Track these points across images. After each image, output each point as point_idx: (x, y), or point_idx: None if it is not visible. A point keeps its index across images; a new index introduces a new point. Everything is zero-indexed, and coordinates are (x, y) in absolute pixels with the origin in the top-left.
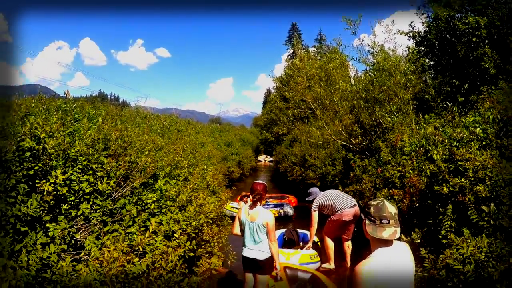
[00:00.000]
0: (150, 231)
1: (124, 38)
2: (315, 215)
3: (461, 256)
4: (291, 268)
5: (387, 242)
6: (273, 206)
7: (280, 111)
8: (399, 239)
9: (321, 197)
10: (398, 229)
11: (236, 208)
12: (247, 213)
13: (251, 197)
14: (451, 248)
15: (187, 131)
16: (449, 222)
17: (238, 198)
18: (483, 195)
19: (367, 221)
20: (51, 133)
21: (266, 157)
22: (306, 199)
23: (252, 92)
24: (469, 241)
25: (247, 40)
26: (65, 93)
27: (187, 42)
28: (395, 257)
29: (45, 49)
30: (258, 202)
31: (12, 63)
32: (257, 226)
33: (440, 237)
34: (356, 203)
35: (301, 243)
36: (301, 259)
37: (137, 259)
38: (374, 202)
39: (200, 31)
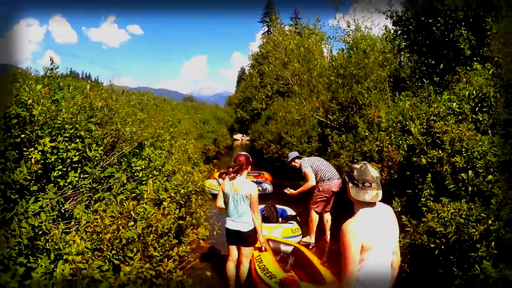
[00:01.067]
0: (148, 193)
1: (96, 14)
2: (309, 172)
3: (442, 220)
4: (273, 240)
5: (370, 204)
6: None
7: (256, 88)
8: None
9: (311, 159)
10: (380, 192)
11: (216, 184)
12: (231, 185)
13: (231, 168)
14: (432, 213)
15: (164, 107)
16: (428, 190)
17: (217, 175)
18: (460, 166)
19: (350, 184)
20: (38, 100)
21: (243, 135)
22: (287, 162)
23: (226, 70)
24: (449, 206)
25: (222, 17)
26: (50, 59)
27: (160, 19)
28: (378, 216)
29: (14, 27)
30: (239, 173)
31: None
32: (241, 198)
33: (420, 205)
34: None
35: (280, 219)
36: (283, 232)
37: (132, 223)
38: (357, 166)
39: (173, 8)
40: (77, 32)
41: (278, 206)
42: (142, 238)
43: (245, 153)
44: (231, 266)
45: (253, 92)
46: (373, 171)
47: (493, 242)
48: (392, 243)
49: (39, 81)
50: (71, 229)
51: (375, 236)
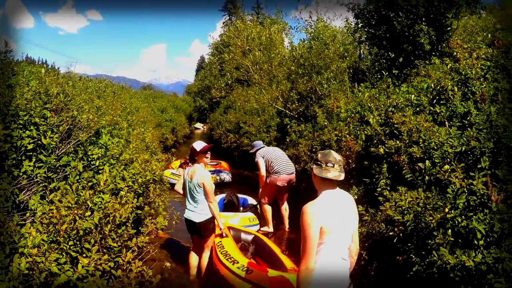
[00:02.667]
0: (103, 181)
1: None
2: (261, 161)
3: (400, 208)
4: (234, 229)
5: (331, 185)
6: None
7: (215, 77)
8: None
9: (265, 151)
10: (343, 174)
11: (175, 174)
12: (187, 172)
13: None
14: (389, 202)
15: (122, 95)
16: (384, 180)
17: (176, 164)
18: (417, 156)
19: (314, 166)
20: None
21: (204, 125)
22: (250, 151)
23: (185, 59)
24: (406, 195)
25: (181, 5)
26: (5, 43)
27: (119, 4)
28: (339, 201)
29: None
30: (195, 162)
31: None
32: (194, 185)
33: (377, 194)
34: (294, 171)
35: (241, 208)
36: (240, 221)
37: (89, 212)
38: (321, 151)
39: None
40: (34, 16)
41: (239, 195)
42: (99, 228)
43: (199, 141)
44: (193, 255)
45: (212, 81)
46: (336, 155)
47: (450, 230)
48: (351, 229)
49: None
50: (26, 221)
51: (334, 220)
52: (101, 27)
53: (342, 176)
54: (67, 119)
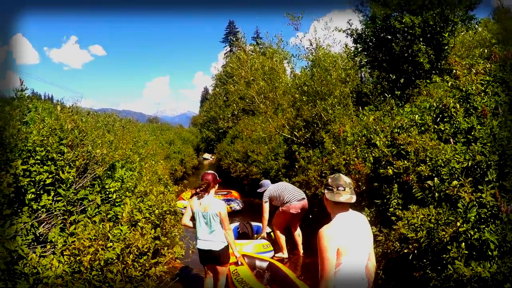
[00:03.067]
0: (126, 213)
1: (57, 34)
2: (265, 206)
3: (413, 226)
4: (248, 256)
5: (344, 207)
6: None
7: (220, 108)
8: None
9: (272, 188)
10: (354, 196)
11: (186, 204)
12: (199, 204)
13: (198, 188)
14: (402, 220)
15: (131, 128)
16: (396, 200)
17: (186, 195)
18: (426, 174)
19: (326, 191)
20: (7, 122)
21: (212, 155)
22: (258, 190)
23: (189, 91)
24: (418, 212)
25: (183, 37)
26: (20, 80)
27: (122, 39)
28: (353, 222)
29: None
30: (207, 192)
31: None
32: (210, 216)
33: (389, 214)
34: (305, 197)
35: (255, 235)
36: (254, 248)
37: (111, 244)
38: (331, 175)
39: (135, 29)
40: (38, 52)
41: (253, 223)
42: (121, 258)
43: (211, 171)
44: (208, 283)
45: (217, 112)
46: (345, 178)
47: (463, 243)
48: (367, 248)
49: (7, 102)
50: (47, 253)
51: (350, 241)
52: (105, 62)
53: (353, 198)
54: (83, 154)
